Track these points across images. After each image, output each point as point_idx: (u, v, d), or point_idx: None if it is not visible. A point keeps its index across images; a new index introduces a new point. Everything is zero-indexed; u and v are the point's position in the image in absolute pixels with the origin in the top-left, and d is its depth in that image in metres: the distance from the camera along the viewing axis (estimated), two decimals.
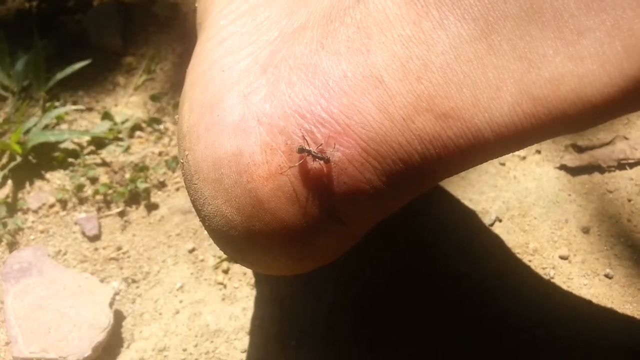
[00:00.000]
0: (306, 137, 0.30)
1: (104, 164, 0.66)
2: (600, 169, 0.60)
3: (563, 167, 0.61)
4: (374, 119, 0.29)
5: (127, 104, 0.72)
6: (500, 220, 0.57)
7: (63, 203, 0.63)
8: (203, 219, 0.35)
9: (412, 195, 0.31)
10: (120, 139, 0.68)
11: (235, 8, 0.37)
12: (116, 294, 0.56)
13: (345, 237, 0.33)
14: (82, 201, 0.63)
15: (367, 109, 0.29)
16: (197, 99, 0.34)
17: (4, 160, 0.67)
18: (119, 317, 0.54)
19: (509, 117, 0.28)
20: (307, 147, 0.29)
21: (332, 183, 0.30)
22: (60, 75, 0.72)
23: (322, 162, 0.29)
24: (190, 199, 0.35)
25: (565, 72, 0.27)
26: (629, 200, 0.58)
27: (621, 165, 0.60)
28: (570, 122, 0.28)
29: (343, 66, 0.30)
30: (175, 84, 0.73)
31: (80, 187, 0.63)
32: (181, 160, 0.35)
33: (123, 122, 0.69)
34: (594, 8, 0.27)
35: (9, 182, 0.65)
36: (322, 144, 0.29)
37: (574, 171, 0.60)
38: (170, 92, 0.73)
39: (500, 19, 0.28)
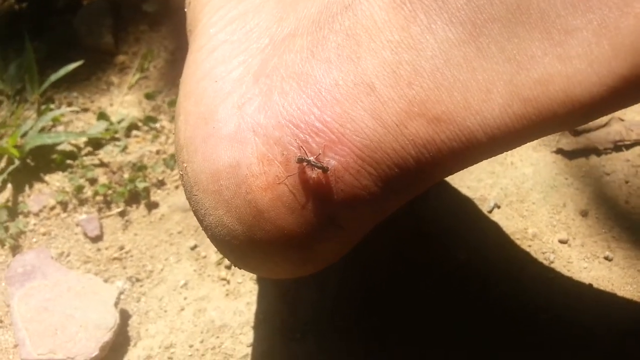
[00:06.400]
0: (302, 147, 0.30)
1: (102, 164, 0.66)
2: (597, 152, 0.60)
3: (560, 151, 0.61)
4: (367, 126, 0.29)
5: (122, 103, 0.72)
6: (498, 207, 0.58)
7: (63, 205, 0.63)
8: (205, 229, 0.35)
9: (409, 197, 0.31)
10: (117, 139, 0.68)
11: (224, 14, 0.37)
12: (121, 293, 0.57)
13: (345, 240, 0.33)
14: (82, 202, 0.63)
15: (360, 117, 0.29)
16: (192, 111, 0.34)
17: (3, 164, 0.67)
18: (124, 316, 0.55)
19: (501, 118, 0.28)
20: (306, 157, 0.30)
21: (330, 191, 0.30)
22: (54, 77, 0.72)
23: (320, 171, 0.29)
24: (192, 210, 0.35)
25: (554, 72, 0.27)
26: (626, 182, 0.58)
27: (617, 147, 0.60)
28: (561, 121, 0.28)
29: (334, 74, 0.30)
30: (170, 81, 0.73)
31: (79, 189, 0.64)
32: (180, 172, 0.35)
33: (119, 122, 0.69)
34: (580, 8, 0.27)
35: (9, 185, 0.65)
36: (319, 153, 0.29)
37: (570, 155, 0.61)
38: (164, 90, 0.72)
39: (488, 21, 0.28)
